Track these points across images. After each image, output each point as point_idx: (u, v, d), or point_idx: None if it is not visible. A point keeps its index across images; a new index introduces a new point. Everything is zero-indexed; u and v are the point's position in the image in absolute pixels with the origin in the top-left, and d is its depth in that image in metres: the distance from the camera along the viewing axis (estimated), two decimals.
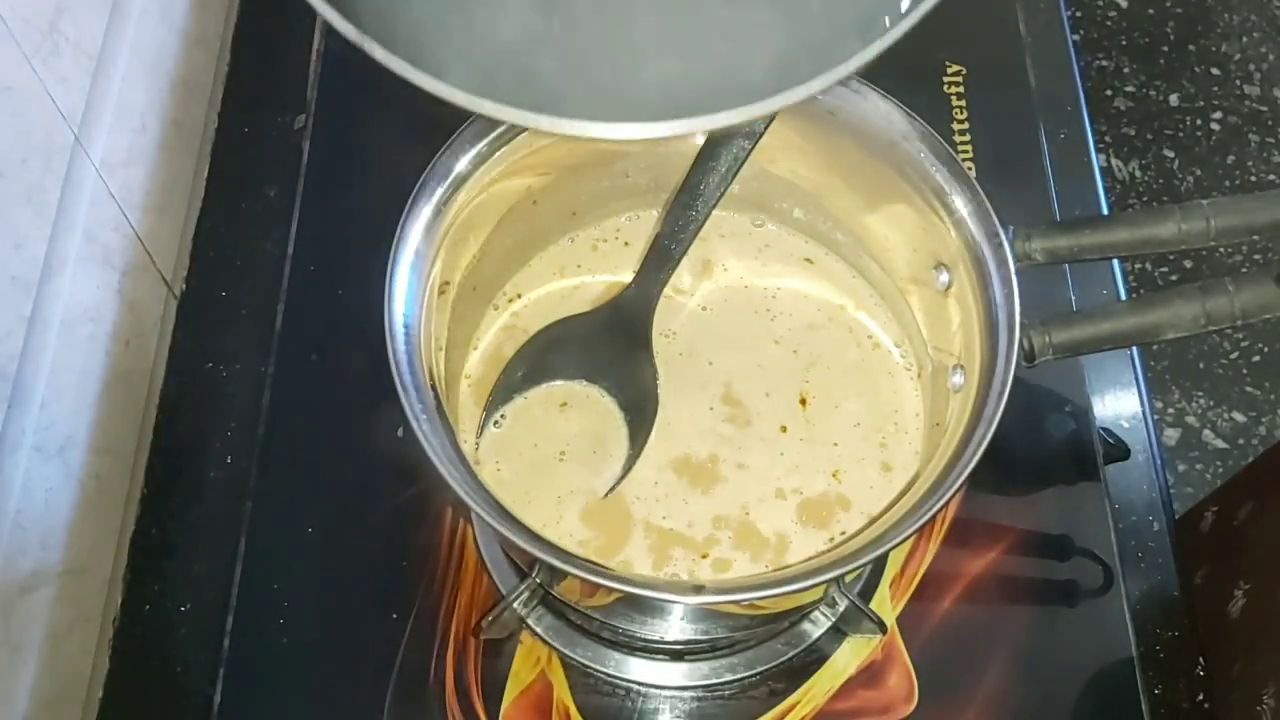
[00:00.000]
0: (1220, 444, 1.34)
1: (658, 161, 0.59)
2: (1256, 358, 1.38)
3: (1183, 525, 0.77)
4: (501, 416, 0.58)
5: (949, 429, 0.53)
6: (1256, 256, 1.41)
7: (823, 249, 0.63)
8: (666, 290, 0.59)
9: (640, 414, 0.58)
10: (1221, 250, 1.41)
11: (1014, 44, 0.80)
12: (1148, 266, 1.42)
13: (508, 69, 0.37)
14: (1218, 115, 1.52)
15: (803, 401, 0.58)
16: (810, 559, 0.53)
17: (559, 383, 0.59)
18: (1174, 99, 1.54)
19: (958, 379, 0.54)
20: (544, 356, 0.59)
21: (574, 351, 0.59)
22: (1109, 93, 1.54)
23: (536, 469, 0.57)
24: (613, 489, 0.56)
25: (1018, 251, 0.51)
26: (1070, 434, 0.67)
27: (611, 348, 0.59)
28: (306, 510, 0.65)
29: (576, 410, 0.58)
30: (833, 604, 0.61)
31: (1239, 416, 1.35)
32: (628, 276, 0.61)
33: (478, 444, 0.57)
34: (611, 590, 0.47)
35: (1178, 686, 0.62)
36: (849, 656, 0.62)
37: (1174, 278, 1.41)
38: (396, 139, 0.62)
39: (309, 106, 0.75)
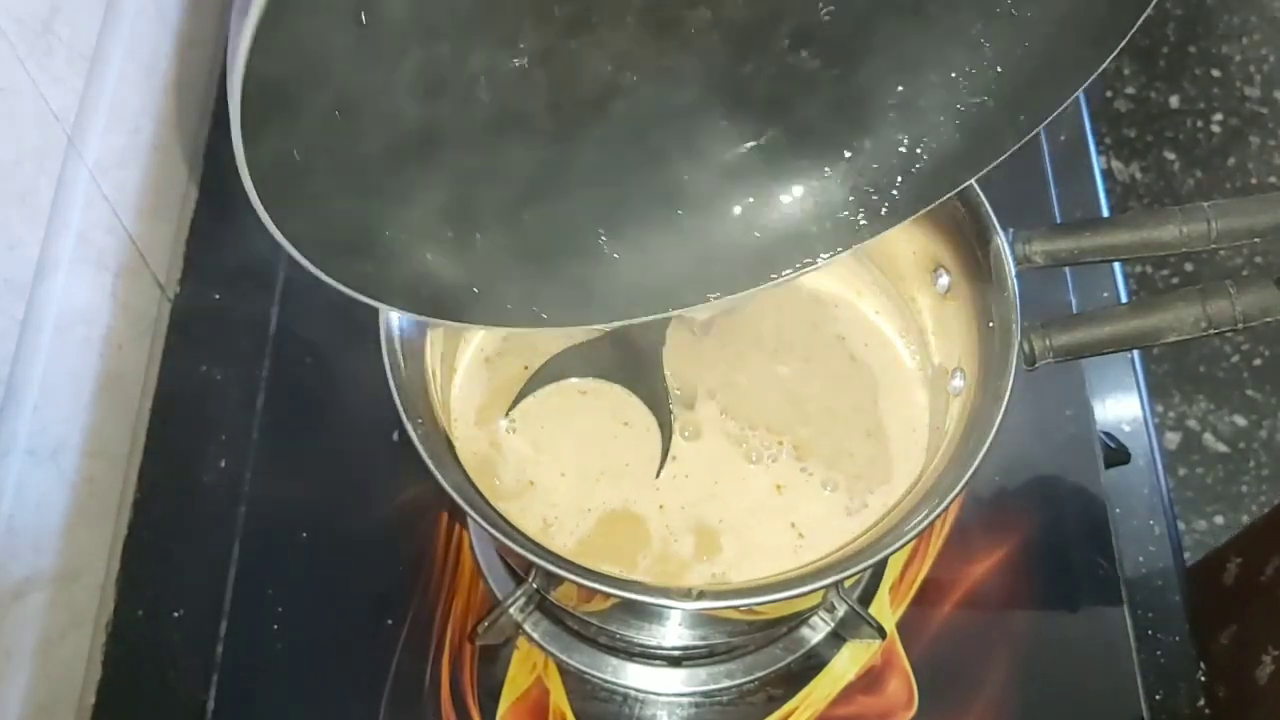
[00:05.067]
0: (1221, 448, 1.33)
1: None
2: (1258, 361, 1.38)
3: (1203, 572, 0.76)
4: (512, 421, 0.57)
5: (949, 433, 0.52)
6: (1258, 259, 1.41)
7: None
8: None
9: (658, 403, 0.58)
10: (1222, 253, 1.40)
11: None
12: (1148, 269, 1.41)
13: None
14: (1218, 117, 1.52)
15: (806, 402, 0.58)
16: (809, 564, 0.53)
17: (573, 380, 0.58)
18: (1174, 101, 1.54)
19: (958, 382, 0.54)
20: (553, 365, 0.59)
21: (584, 362, 0.59)
22: (1109, 94, 1.54)
23: (574, 449, 0.57)
24: (661, 468, 0.56)
25: (1018, 254, 0.51)
26: (1071, 438, 0.67)
27: (622, 361, 0.59)
28: (301, 515, 0.65)
29: (596, 397, 0.58)
30: (832, 609, 0.61)
31: (1240, 420, 1.35)
32: None
33: (512, 424, 0.57)
34: (609, 595, 0.47)
35: (1179, 692, 0.61)
36: (848, 662, 0.61)
37: (1175, 280, 1.41)
38: None
39: None
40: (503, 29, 0.42)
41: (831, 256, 0.52)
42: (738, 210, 0.52)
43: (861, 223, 0.51)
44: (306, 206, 0.40)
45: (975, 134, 0.48)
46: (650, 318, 0.52)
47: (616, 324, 0.51)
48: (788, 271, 0.52)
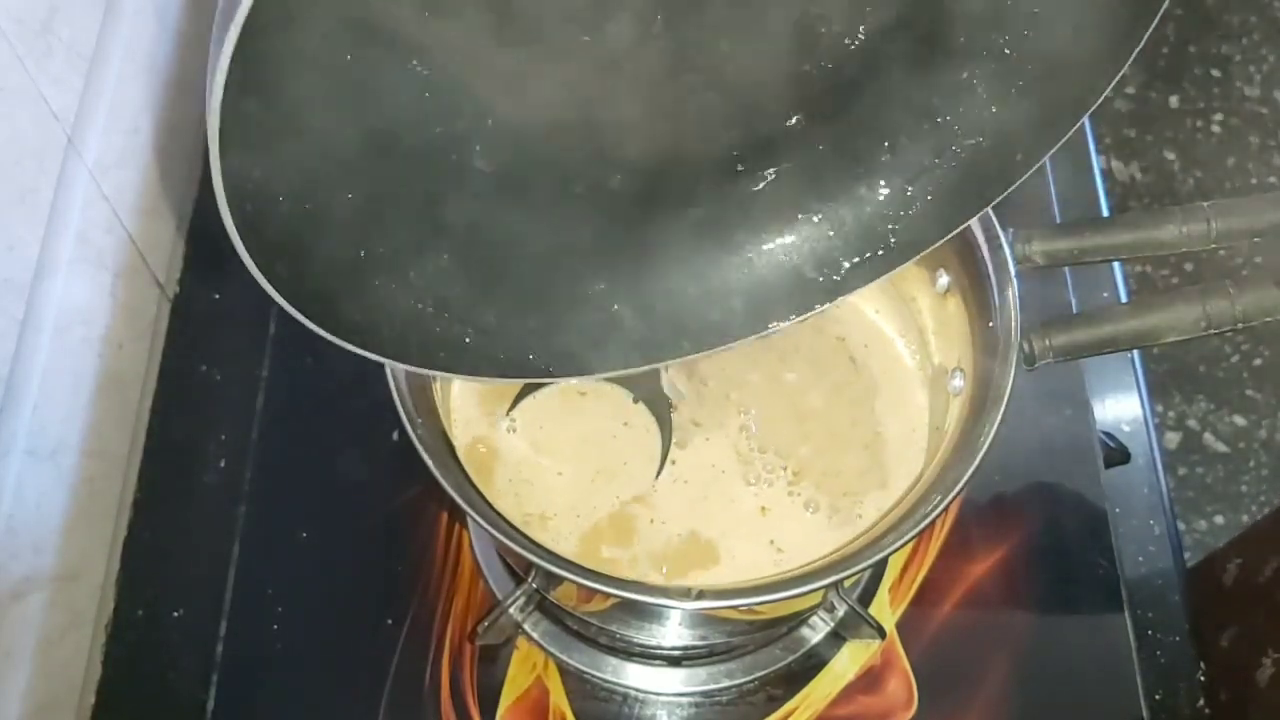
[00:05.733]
0: (1221, 448, 1.33)
1: None
2: (1258, 361, 1.38)
3: (1203, 574, 0.76)
4: (512, 421, 0.57)
5: (949, 433, 0.52)
6: (1258, 259, 1.41)
7: None
8: None
9: (659, 406, 0.58)
10: (1222, 253, 1.40)
11: None
12: (1148, 269, 1.41)
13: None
14: (1218, 117, 1.52)
15: (808, 419, 0.58)
16: (809, 564, 0.53)
17: (573, 380, 0.58)
18: (1174, 101, 1.54)
19: (958, 382, 0.54)
20: None
21: None
22: (1109, 94, 1.54)
23: (573, 449, 0.57)
24: (661, 468, 0.56)
25: (1018, 254, 0.51)
26: (1070, 438, 0.67)
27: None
28: (300, 514, 0.65)
29: (595, 398, 0.58)
30: (831, 609, 0.61)
31: (1240, 420, 1.35)
32: None
33: (512, 423, 0.57)
34: (608, 595, 0.47)
35: (1179, 693, 0.61)
36: (848, 662, 0.61)
37: (1174, 280, 1.41)
38: None
39: None
40: (499, 75, 0.42)
41: (828, 304, 0.51)
42: (731, 260, 0.51)
43: (858, 269, 0.51)
44: (290, 249, 0.40)
45: (971, 174, 0.48)
46: (646, 368, 0.52)
47: (612, 375, 0.51)
48: (783, 323, 0.52)
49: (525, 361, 0.49)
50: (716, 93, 0.45)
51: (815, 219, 0.50)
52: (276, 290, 0.40)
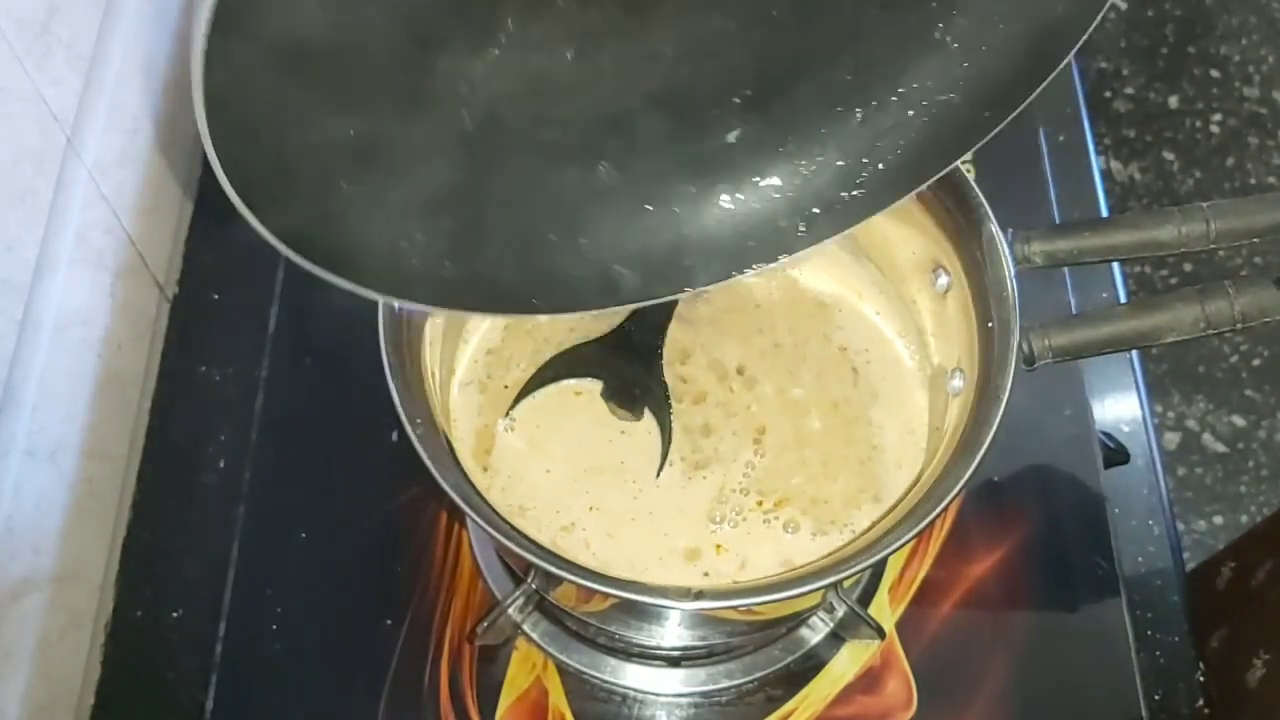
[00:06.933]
0: (1220, 448, 1.33)
1: None
2: (1256, 361, 1.38)
3: (1200, 579, 0.76)
4: (511, 420, 0.57)
5: (948, 433, 0.52)
6: (1256, 259, 1.41)
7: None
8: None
9: (659, 409, 0.58)
10: (1221, 253, 1.40)
11: None
12: (1147, 269, 1.41)
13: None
14: (1217, 117, 1.52)
15: (806, 444, 0.58)
16: (808, 564, 0.53)
17: (571, 381, 0.58)
18: (1173, 101, 1.54)
19: (957, 383, 0.54)
20: (551, 366, 0.59)
21: (582, 363, 0.59)
22: (1108, 95, 1.54)
23: (569, 448, 0.57)
24: (661, 468, 0.56)
25: (1017, 254, 0.51)
26: (1070, 438, 0.67)
27: (622, 370, 0.59)
28: (300, 515, 0.65)
29: (594, 399, 0.58)
30: (831, 609, 0.61)
31: (1239, 420, 1.35)
32: None
33: (511, 423, 0.57)
34: (607, 596, 0.47)
35: (1178, 692, 0.61)
36: (847, 662, 0.61)
37: (1174, 281, 1.41)
38: None
39: None
40: (474, 17, 0.42)
41: (794, 256, 0.52)
42: (705, 209, 0.52)
43: (826, 219, 0.51)
44: (273, 180, 0.40)
45: (942, 130, 0.49)
46: (623, 308, 0.52)
47: (577, 313, 0.52)
48: (752, 269, 0.52)
49: (501, 298, 0.49)
50: (688, 52, 0.46)
51: (786, 170, 0.51)
52: (256, 217, 0.40)
